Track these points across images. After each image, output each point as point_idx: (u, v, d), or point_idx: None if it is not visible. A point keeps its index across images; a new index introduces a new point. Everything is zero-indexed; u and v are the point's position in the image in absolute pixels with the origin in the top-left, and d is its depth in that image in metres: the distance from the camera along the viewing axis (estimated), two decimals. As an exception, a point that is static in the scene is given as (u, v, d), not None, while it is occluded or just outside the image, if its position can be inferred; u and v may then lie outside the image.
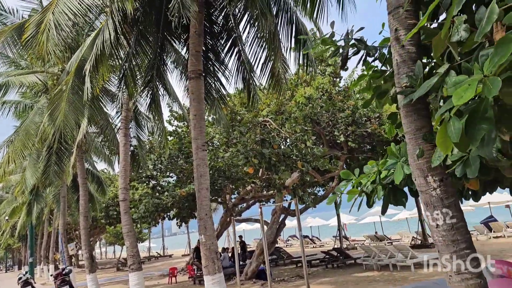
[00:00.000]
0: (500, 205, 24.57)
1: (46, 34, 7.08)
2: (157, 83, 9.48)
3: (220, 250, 15.41)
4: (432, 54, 3.72)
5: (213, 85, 10.26)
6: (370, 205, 4.01)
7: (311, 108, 13.12)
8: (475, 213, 25.41)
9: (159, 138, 13.87)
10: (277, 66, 9.16)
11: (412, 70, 3.16)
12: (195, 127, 7.82)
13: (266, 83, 10.18)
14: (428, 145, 3.03)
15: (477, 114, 2.04)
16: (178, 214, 17.08)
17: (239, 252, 18.54)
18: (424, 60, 3.46)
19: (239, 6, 9.19)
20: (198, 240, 18.40)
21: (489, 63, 1.97)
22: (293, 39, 9.05)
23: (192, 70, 7.89)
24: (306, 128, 12.69)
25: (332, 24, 4.11)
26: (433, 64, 3.74)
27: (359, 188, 4.10)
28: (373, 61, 4.10)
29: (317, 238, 35.22)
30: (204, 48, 9.13)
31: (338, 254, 17.32)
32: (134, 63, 9.26)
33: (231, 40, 9.68)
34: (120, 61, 9.66)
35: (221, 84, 10.58)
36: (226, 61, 10.01)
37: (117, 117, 14.47)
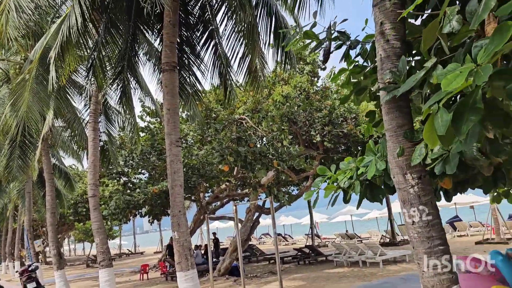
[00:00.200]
0: (465, 206, 25.52)
1: (6, 16, 6.59)
2: (128, 75, 9.07)
3: (193, 247, 15.20)
4: (414, 52, 3.69)
5: (187, 79, 9.94)
6: (347, 200, 4.01)
7: (288, 107, 13.03)
8: (442, 213, 25.70)
9: (130, 134, 13.38)
10: (255, 61, 8.97)
11: (396, 66, 3.09)
12: (169, 122, 7.53)
13: (243, 79, 9.98)
14: (408, 143, 3.01)
15: (466, 106, 1.95)
16: (150, 211, 16.68)
17: (212, 249, 18.34)
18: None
19: (216, -4, 8.95)
20: (171, 237, 18.20)
21: (484, 52, 1.89)
22: (272, 34, 8.87)
23: (166, 62, 7.57)
24: (282, 127, 12.60)
25: (315, 14, 3.95)
26: (413, 63, 3.71)
27: (335, 184, 4.08)
28: (356, 56, 4.02)
29: (289, 236, 35.46)
30: (179, 40, 8.79)
31: (310, 251, 17.59)
32: (103, 53, 8.81)
33: (207, 32, 9.38)
34: (88, 51, 9.18)
35: (196, 78, 10.27)
36: (202, 54, 9.71)
37: (86, 110, 13.88)
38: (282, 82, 14.59)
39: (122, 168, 16.29)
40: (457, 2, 2.58)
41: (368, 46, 3.98)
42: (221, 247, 21.48)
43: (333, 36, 3.81)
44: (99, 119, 12.45)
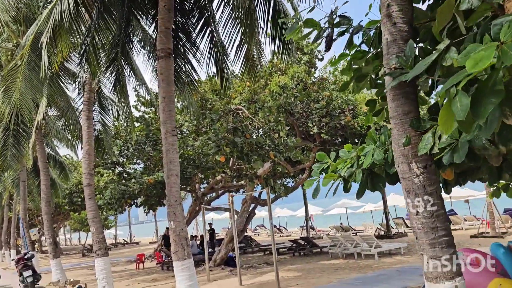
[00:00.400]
0: (460, 200, 25.61)
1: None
2: (122, 62, 8.86)
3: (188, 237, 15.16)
4: (417, 39, 3.56)
5: (183, 68, 9.74)
6: (347, 189, 3.93)
7: (285, 98, 12.88)
8: None
9: (125, 123, 13.18)
10: (252, 49, 8.78)
11: (403, 51, 2.96)
12: (164, 111, 7.36)
13: (240, 68, 9.80)
14: (414, 132, 2.92)
15: (486, 88, 1.82)
16: (145, 201, 16.57)
17: (208, 240, 18.34)
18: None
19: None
20: (167, 227, 18.13)
21: (508, 28, 1.76)
22: (269, 22, 8.67)
23: (161, 48, 7.37)
24: (279, 118, 12.46)
25: None
26: (416, 51, 3.58)
27: (336, 173, 4.00)
28: (360, 44, 3.87)
29: (284, 228, 35.55)
30: (174, 27, 8.58)
31: (305, 243, 17.61)
32: (97, 39, 8.58)
33: (203, 19, 9.15)
34: (81, 37, 8.95)
35: (192, 67, 10.07)
36: (197, 42, 9.48)
37: (79, 99, 13.65)
38: (279, 72, 14.42)
39: (117, 158, 16.13)
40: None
41: (371, 33, 3.87)
42: (216, 238, 21.48)
43: (335, 22, 3.67)
44: (93, 108, 12.24)
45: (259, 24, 8.52)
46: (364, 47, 3.89)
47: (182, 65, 9.79)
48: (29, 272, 13.39)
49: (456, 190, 21.78)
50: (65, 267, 17.18)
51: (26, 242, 20.58)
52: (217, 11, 9.12)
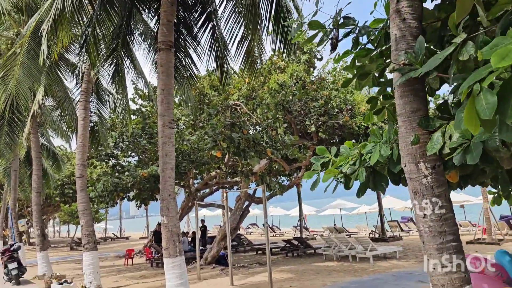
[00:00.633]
0: (455, 205, 25.67)
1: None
2: (122, 53, 8.78)
3: (180, 234, 15.02)
4: (427, 36, 3.50)
5: (183, 61, 9.67)
6: (349, 187, 3.86)
7: (283, 96, 12.82)
8: None
9: (122, 116, 13.03)
10: (254, 45, 8.72)
11: (412, 47, 2.93)
12: (162, 103, 7.29)
13: (240, 64, 9.73)
14: (423, 131, 2.85)
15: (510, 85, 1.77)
16: (138, 195, 16.42)
17: (199, 237, 18.21)
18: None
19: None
20: (158, 223, 17.99)
21: None
22: (271, 21, 8.62)
23: (163, 40, 7.31)
24: (277, 115, 12.42)
25: (317, 1, 3.75)
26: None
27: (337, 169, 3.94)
28: (366, 44, 3.83)
29: (277, 227, 35.49)
30: (176, 21, 8.52)
31: (299, 243, 17.42)
32: (98, 30, 8.49)
33: (205, 14, 9.10)
34: (82, 28, 8.83)
35: (192, 61, 10.00)
36: (199, 36, 9.44)
37: (77, 89, 13.49)
38: (278, 70, 14.36)
39: (111, 150, 15.96)
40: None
41: (376, 33, 3.82)
42: (208, 235, 21.35)
43: (340, 23, 3.65)
44: (90, 99, 12.11)
45: (262, 20, 8.45)
46: (369, 46, 3.87)
47: (182, 59, 9.72)
48: (14, 265, 13.21)
49: (452, 195, 21.64)
50: (52, 260, 16.94)
51: (14, 233, 20.33)
52: (219, 6, 9.08)
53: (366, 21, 3.83)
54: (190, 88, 11.06)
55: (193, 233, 18.43)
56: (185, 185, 17.73)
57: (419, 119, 2.83)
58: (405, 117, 2.87)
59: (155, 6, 9.10)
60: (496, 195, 4.44)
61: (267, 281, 10.03)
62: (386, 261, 13.51)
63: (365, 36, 3.82)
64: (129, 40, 8.92)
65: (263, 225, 34.23)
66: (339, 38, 3.70)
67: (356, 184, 3.94)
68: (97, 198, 16.11)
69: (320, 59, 14.75)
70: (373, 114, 4.14)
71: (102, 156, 16.27)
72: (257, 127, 12.59)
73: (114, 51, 8.58)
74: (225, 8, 8.90)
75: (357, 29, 3.71)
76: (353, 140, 4.35)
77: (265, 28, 8.77)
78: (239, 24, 8.71)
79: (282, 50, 9.07)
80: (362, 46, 3.83)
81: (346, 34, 3.72)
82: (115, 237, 42.11)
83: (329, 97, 13.19)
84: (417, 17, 2.90)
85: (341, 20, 3.67)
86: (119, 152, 16.46)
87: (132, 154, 17.00)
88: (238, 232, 21.87)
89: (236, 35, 8.85)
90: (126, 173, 15.71)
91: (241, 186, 15.16)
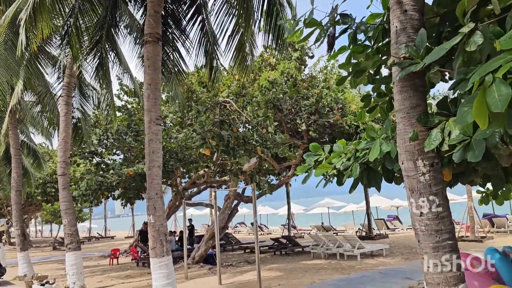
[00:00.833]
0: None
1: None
2: (107, 46, 8.40)
3: (166, 234, 14.71)
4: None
5: (170, 56, 9.34)
6: (341, 183, 3.83)
7: (274, 93, 12.60)
8: None
9: (106, 112, 12.59)
10: (246, 39, 8.44)
11: (413, 40, 2.81)
12: (149, 98, 6.98)
13: (230, 60, 9.44)
14: (422, 127, 2.77)
15: None
16: (123, 194, 15.98)
17: (187, 236, 17.94)
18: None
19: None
20: (144, 222, 17.59)
21: None
22: (263, 16, 8.35)
23: (150, 33, 6.98)
24: (268, 113, 12.19)
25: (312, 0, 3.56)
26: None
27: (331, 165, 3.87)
28: (364, 41, 3.71)
29: (265, 226, 35.40)
30: (163, 13, 8.18)
31: (287, 242, 17.39)
32: (81, 21, 8.10)
33: (195, 6, 8.77)
34: (64, 18, 8.40)
35: (180, 56, 9.68)
36: (187, 30, 9.11)
37: (58, 83, 12.98)
38: (269, 67, 14.13)
39: (95, 147, 15.48)
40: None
41: (374, 29, 3.73)
42: (195, 234, 21.07)
43: (336, 20, 3.55)
44: (73, 94, 11.65)
45: (255, 12, 8.19)
46: (367, 43, 3.78)
47: (169, 53, 9.40)
48: (-6, 265, 12.80)
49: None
50: (34, 261, 16.59)
51: (-6, 233, 19.69)
52: (209, -2, 8.76)
53: (363, 17, 3.74)
54: (178, 84, 10.74)
55: (181, 232, 18.13)
56: (172, 184, 17.36)
57: (418, 115, 2.75)
58: (404, 113, 2.80)
59: (142, -3, 8.77)
60: (484, 194, 4.51)
61: (255, 280, 9.98)
62: (373, 259, 13.60)
63: (362, 33, 3.73)
64: (113, 32, 8.54)
65: (251, 224, 34.13)
66: (336, 36, 3.60)
67: (347, 183, 3.91)
68: (81, 197, 15.61)
69: (312, 57, 14.58)
70: (366, 112, 4.12)
71: (86, 153, 15.77)
72: (247, 125, 12.32)
73: (98, 43, 8.20)
74: (215, 0, 8.61)
75: (355, 25, 3.61)
76: (344, 139, 4.30)
77: (257, 23, 8.50)
78: (230, 17, 8.41)
79: (273, 46, 8.84)
80: (360, 43, 3.75)
81: (343, 31, 3.64)
82: (99, 236, 41.39)
83: (320, 96, 13.02)
84: (418, 9, 2.80)
85: (337, 17, 3.56)
86: (104, 150, 15.99)
87: (117, 152, 16.55)
88: (226, 231, 21.66)
89: (227, 29, 8.56)
90: (111, 171, 15.27)
91: (229, 185, 14.89)
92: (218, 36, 8.94)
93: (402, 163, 2.86)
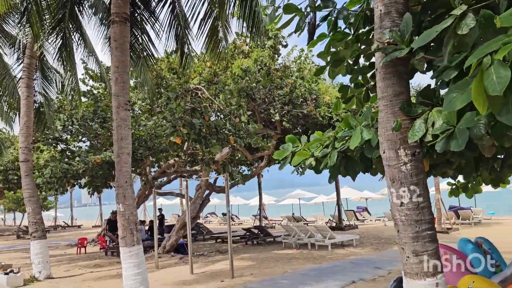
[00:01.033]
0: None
1: None
2: (70, 26, 7.87)
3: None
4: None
5: (139, 39, 8.91)
6: (319, 171, 3.74)
7: (247, 82, 12.35)
8: (382, 202, 27.37)
9: (71, 96, 11.95)
10: (221, 24, 8.13)
11: (397, 25, 2.70)
12: (117, 82, 6.61)
13: (202, 46, 9.11)
14: (405, 117, 2.67)
15: None
16: (90, 182, 15.38)
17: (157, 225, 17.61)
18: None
19: None
20: (112, 211, 17.07)
21: None
22: (237, 1, 8.06)
23: (117, 12, 6.57)
24: (241, 102, 11.95)
25: None
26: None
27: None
28: (345, 29, 3.58)
29: (236, 216, 35.40)
30: (132, -8, 7.75)
31: (259, 232, 17.42)
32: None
33: (166, -14, 8.38)
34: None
35: (150, 39, 9.25)
36: (157, 12, 8.68)
37: (18, 65, 12.17)
38: (242, 55, 13.83)
39: (59, 133, 14.75)
40: None
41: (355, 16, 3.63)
42: (165, 224, 20.73)
43: (316, 5, 3.39)
44: (35, 76, 11.00)
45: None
46: (347, 31, 3.67)
47: (138, 36, 8.98)
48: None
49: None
50: (-3, 249, 15.88)
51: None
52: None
53: (344, 3, 3.59)
54: (147, 69, 10.31)
55: (151, 221, 17.77)
56: (142, 173, 16.87)
57: (401, 103, 2.67)
58: (386, 100, 2.71)
59: (108, -26, 8.24)
60: (454, 186, 4.54)
61: (227, 269, 9.91)
62: (344, 249, 13.82)
63: (343, 20, 3.61)
64: (78, 11, 8.02)
65: (223, 214, 33.97)
66: (317, 23, 3.44)
67: (324, 174, 3.84)
68: (45, 185, 14.90)
69: (285, 46, 14.40)
70: (342, 102, 4.05)
71: (50, 140, 15.00)
72: (219, 113, 12.05)
73: (60, 22, 7.67)
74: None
75: (335, 11, 3.48)
76: (317, 131, 4.23)
77: (231, 7, 8.20)
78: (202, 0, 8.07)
79: (248, 33, 8.58)
80: (339, 30, 3.62)
81: (324, 18, 3.50)
82: (66, 225, 40.16)
83: (294, 86, 12.89)
84: None
85: (318, 2, 3.40)
86: (69, 136, 15.28)
87: (83, 138, 15.86)
88: (197, 221, 21.45)
89: (199, 12, 8.21)
90: (77, 158, 14.62)
91: (200, 175, 14.62)
92: (190, 19, 8.59)
93: (384, 152, 2.80)
